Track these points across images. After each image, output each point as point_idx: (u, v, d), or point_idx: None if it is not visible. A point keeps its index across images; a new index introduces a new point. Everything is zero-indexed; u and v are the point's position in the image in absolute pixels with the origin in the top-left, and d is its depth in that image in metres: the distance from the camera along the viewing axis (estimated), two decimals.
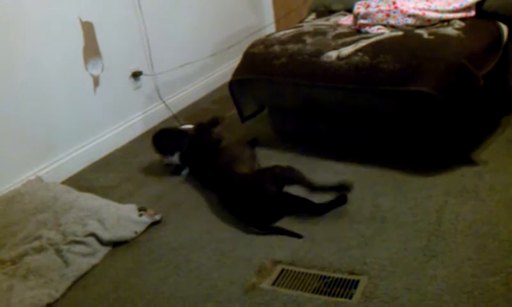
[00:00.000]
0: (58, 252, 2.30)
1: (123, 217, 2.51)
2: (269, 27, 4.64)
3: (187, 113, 3.83)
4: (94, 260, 2.32)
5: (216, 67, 4.26)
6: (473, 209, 2.29)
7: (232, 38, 4.29)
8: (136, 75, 3.55)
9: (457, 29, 2.73)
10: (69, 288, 2.18)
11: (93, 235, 2.38)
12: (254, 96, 3.16)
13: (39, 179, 2.84)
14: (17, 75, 2.82)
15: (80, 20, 3.13)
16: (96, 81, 3.27)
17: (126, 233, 2.45)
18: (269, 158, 2.99)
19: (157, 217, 2.55)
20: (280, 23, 4.68)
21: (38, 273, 2.20)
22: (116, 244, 2.42)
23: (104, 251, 2.38)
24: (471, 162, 2.63)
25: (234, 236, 2.36)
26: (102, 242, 2.39)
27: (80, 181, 3.05)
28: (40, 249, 2.31)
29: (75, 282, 2.22)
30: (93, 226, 2.41)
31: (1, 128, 2.76)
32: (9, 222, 2.50)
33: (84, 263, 2.29)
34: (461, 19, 2.87)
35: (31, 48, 2.87)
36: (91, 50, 3.22)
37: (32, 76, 2.89)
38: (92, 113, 3.26)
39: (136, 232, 2.47)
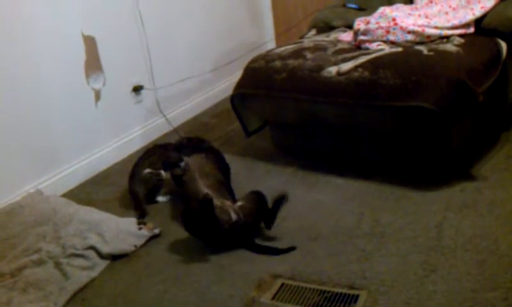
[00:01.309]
0: (57, 265, 2.30)
1: (122, 231, 2.51)
2: (269, 43, 4.67)
3: (187, 127, 3.84)
4: (93, 273, 2.32)
5: (216, 82, 4.28)
6: (473, 224, 2.29)
7: (233, 53, 4.32)
8: (137, 89, 3.57)
9: (456, 45, 2.75)
10: (68, 302, 2.17)
11: (92, 248, 2.38)
12: (255, 111, 3.18)
13: (39, 192, 2.84)
14: (18, 88, 2.83)
15: (83, 34, 3.16)
16: (97, 95, 3.29)
17: (125, 246, 2.45)
18: (269, 172, 3.00)
19: (156, 231, 2.55)
20: (280, 39, 4.71)
21: (37, 286, 2.20)
22: (115, 258, 2.42)
23: (103, 264, 2.37)
24: (470, 178, 2.64)
25: (234, 250, 2.36)
26: (101, 255, 2.38)
27: (80, 194, 3.05)
28: (40, 262, 2.31)
29: (74, 295, 2.21)
30: (93, 239, 2.41)
31: (2, 140, 2.77)
32: (9, 234, 2.49)
33: (84, 277, 2.28)
34: (461, 36, 2.89)
35: (32, 61, 2.89)
36: (93, 64, 3.24)
37: (33, 89, 2.91)
38: (93, 127, 3.28)
39: (135, 246, 2.46)
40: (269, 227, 2.43)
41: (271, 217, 2.42)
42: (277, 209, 2.41)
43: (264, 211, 2.43)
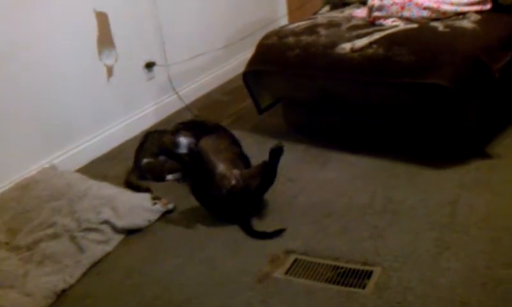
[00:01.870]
0: (73, 239, 2.32)
1: (136, 206, 2.52)
2: (282, 19, 4.63)
3: (199, 104, 3.84)
4: (108, 248, 2.34)
5: (228, 58, 4.26)
6: (487, 202, 2.28)
7: (245, 30, 4.29)
8: (149, 65, 3.56)
9: (473, 21, 2.72)
10: (83, 275, 2.20)
11: (107, 222, 2.40)
12: (268, 88, 3.17)
13: (53, 167, 2.87)
14: (32, 65, 2.84)
15: (95, 11, 3.15)
16: (110, 71, 3.29)
17: (139, 221, 2.46)
18: None
19: (171, 206, 2.57)
20: (293, 15, 4.66)
21: (53, 259, 2.23)
22: (129, 232, 2.44)
23: (117, 238, 2.39)
24: (485, 156, 2.62)
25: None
26: (115, 229, 2.40)
27: (94, 170, 3.06)
28: (55, 236, 2.33)
29: (90, 268, 2.24)
30: (107, 214, 2.43)
31: (16, 117, 2.78)
32: (24, 208, 2.52)
33: (99, 250, 2.30)
34: (477, 12, 2.85)
35: (45, 37, 2.89)
36: (105, 41, 3.23)
37: (46, 65, 2.91)
38: (106, 103, 3.28)
39: (149, 220, 2.48)
40: (271, 182, 2.43)
41: (270, 171, 2.41)
42: (274, 161, 2.39)
43: (267, 175, 2.42)
